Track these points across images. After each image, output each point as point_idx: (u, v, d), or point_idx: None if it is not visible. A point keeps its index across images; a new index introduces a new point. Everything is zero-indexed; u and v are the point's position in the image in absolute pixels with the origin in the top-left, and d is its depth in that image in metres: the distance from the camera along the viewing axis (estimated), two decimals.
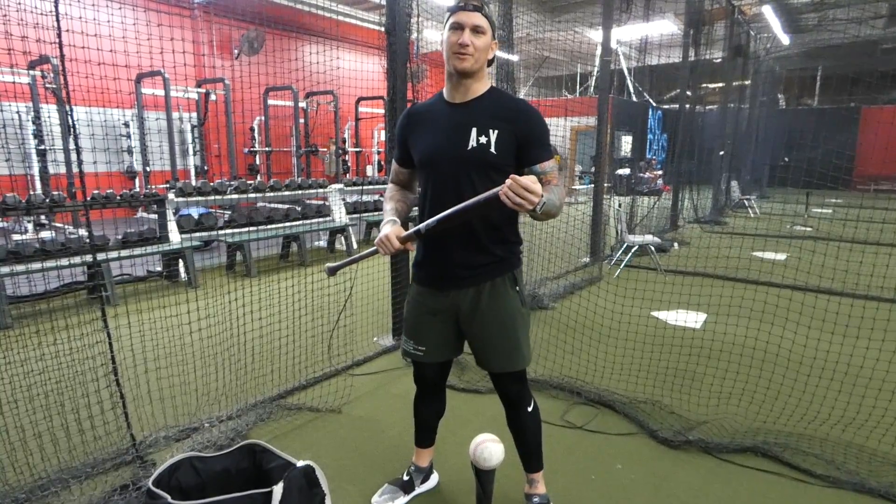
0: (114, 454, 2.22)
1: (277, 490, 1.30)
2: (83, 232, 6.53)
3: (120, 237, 5.06)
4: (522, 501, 1.94)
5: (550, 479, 1.97)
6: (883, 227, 7.26)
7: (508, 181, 1.38)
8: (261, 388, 2.84)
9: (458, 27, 1.56)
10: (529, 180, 1.37)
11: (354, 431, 2.50)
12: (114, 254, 4.56)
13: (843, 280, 4.67)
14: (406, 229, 1.67)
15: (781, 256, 6.49)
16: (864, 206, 10.45)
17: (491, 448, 1.19)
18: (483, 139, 1.59)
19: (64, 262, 4.26)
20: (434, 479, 2.13)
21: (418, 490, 2.06)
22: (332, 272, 1.79)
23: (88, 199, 4.90)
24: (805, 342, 3.18)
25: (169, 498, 1.26)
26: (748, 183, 12.61)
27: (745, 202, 10.86)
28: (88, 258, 4.20)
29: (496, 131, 1.59)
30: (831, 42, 12.13)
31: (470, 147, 1.59)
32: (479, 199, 1.44)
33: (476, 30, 1.56)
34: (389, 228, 1.64)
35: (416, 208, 1.82)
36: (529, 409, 1.83)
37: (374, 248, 1.67)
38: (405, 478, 2.06)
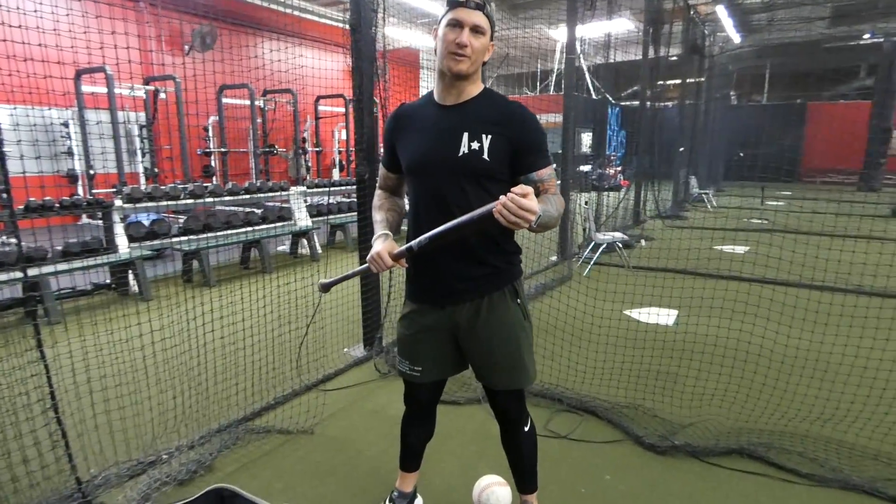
0: (56, 501, 1.98)
1: None
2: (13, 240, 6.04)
3: (60, 248, 4.69)
4: None
5: (540, 493, 1.87)
6: (834, 217, 7.53)
7: (503, 198, 1.25)
8: (225, 411, 2.64)
9: (456, 24, 1.43)
10: (525, 196, 1.24)
11: (330, 454, 2.34)
12: (50, 268, 4.19)
13: (802, 273, 4.79)
14: (398, 237, 1.59)
15: (742, 249, 6.64)
16: (814, 198, 10.88)
17: (498, 493, 1.07)
18: (475, 145, 1.46)
19: None
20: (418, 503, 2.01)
21: None
22: (326, 289, 1.68)
23: (21, 207, 4.53)
24: (775, 337, 3.21)
25: None
26: (705, 178, 12.96)
27: (704, 196, 11.14)
28: (9, 276, 3.85)
29: (489, 136, 1.46)
30: (779, 41, 12.60)
31: (461, 153, 1.47)
32: (473, 215, 1.32)
33: (476, 30, 1.44)
34: (381, 245, 1.51)
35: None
36: (526, 428, 1.73)
37: (366, 265, 1.53)
38: None
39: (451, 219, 1.42)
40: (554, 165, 1.55)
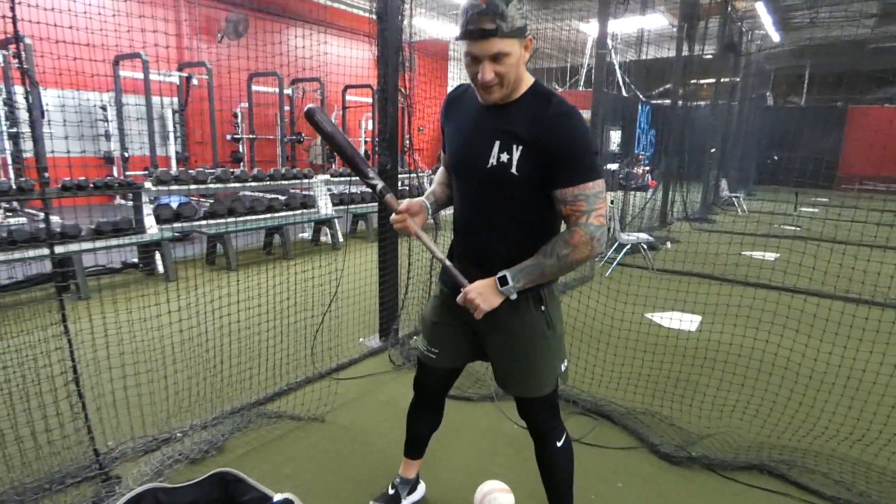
0: (75, 469, 2.04)
1: None
2: (56, 219, 6.24)
3: (93, 226, 4.81)
4: None
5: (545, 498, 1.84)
6: (876, 227, 7.26)
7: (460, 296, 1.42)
8: (239, 394, 2.66)
9: (474, 58, 1.30)
10: (465, 296, 1.40)
11: (339, 443, 2.34)
12: (82, 245, 4.31)
13: (836, 284, 4.61)
14: (435, 212, 1.66)
15: (772, 256, 6.45)
16: (851, 206, 10.49)
17: (501, 500, 1.03)
18: (504, 157, 1.35)
19: (25, 253, 4.00)
20: (421, 490, 2.01)
21: (405, 503, 1.93)
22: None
23: (58, 186, 4.65)
24: (804, 350, 3.09)
25: None
26: (736, 181, 12.62)
27: (734, 200, 10.85)
28: (55, 249, 3.96)
29: (520, 148, 1.34)
30: (821, 41, 12.14)
31: (489, 164, 1.38)
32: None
33: (496, 58, 1.28)
34: (412, 202, 1.55)
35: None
36: (559, 443, 1.61)
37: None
38: (391, 491, 1.93)
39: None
40: (598, 183, 1.33)
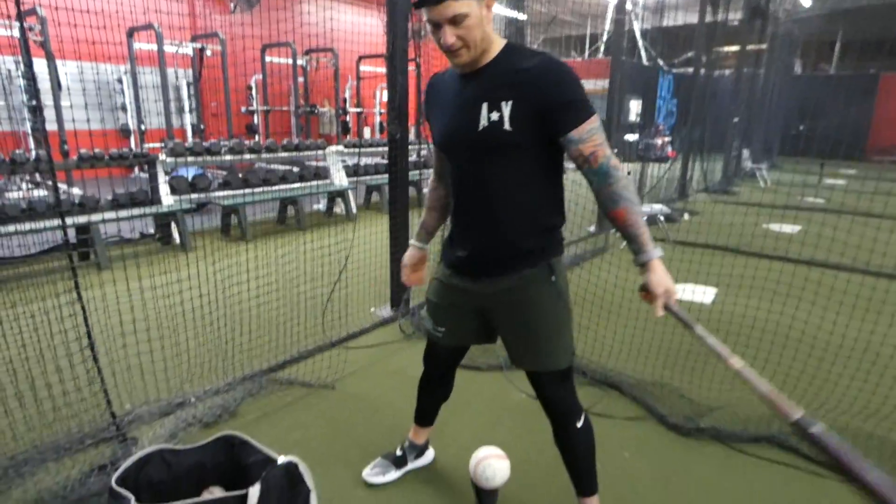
0: (93, 431, 2.11)
1: (253, 493, 1.16)
2: (76, 191, 6.33)
3: (109, 198, 4.88)
4: None
5: (552, 465, 1.83)
6: None
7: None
8: (251, 361, 2.71)
9: (434, 24, 1.28)
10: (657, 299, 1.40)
11: (348, 411, 2.38)
12: (91, 217, 4.38)
13: (857, 256, 4.49)
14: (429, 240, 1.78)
15: (794, 229, 6.30)
16: (880, 177, 10.16)
17: (495, 465, 1.02)
18: (494, 115, 1.31)
19: (43, 224, 4.08)
20: (429, 455, 2.04)
21: (410, 466, 1.98)
22: None
23: (74, 158, 4.71)
24: (820, 323, 3.03)
25: (132, 500, 1.13)
26: (759, 151, 12.27)
27: (756, 171, 10.57)
28: (72, 220, 4.04)
29: (510, 103, 1.30)
30: (854, 5, 11.58)
31: (481, 127, 1.33)
32: None
33: (455, 21, 1.25)
34: (405, 257, 1.75)
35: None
36: (579, 424, 1.56)
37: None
38: (398, 453, 1.97)
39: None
40: (596, 115, 1.31)
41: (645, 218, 1.32)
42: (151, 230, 5.30)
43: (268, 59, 10.03)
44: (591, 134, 1.29)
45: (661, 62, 15.49)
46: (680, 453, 2.13)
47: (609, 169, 1.30)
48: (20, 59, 2.22)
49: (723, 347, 1.27)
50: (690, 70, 8.54)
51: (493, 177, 1.39)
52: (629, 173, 5.95)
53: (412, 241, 1.78)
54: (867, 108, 15.07)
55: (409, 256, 1.78)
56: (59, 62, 6.22)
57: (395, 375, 2.70)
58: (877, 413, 2.32)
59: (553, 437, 1.61)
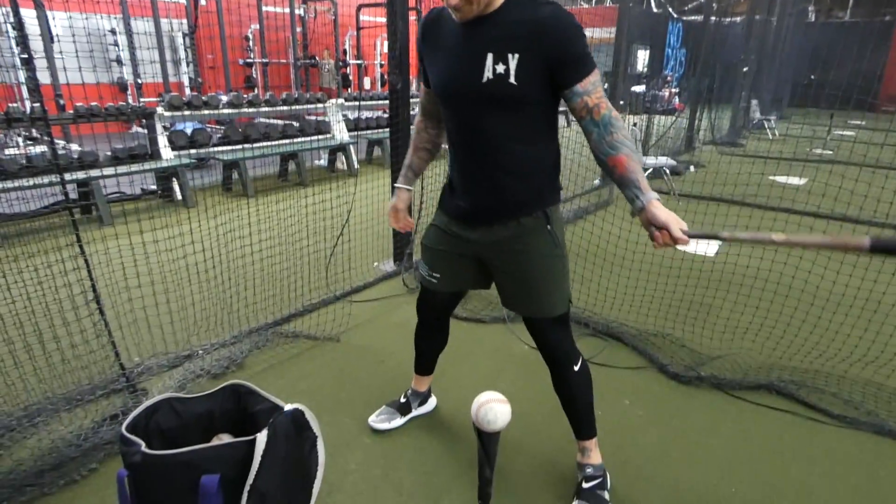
0: (103, 383, 2.15)
1: (261, 438, 1.19)
2: (75, 147, 6.26)
3: (108, 154, 4.82)
4: (531, 467, 1.82)
5: (552, 413, 1.87)
6: None
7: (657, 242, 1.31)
8: (257, 315, 2.74)
9: None
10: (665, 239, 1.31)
11: (353, 361, 2.42)
12: (90, 173, 4.34)
13: (863, 206, 4.43)
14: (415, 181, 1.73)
15: (801, 181, 6.22)
16: (890, 128, 9.94)
17: (497, 409, 1.04)
18: (500, 68, 1.27)
19: (42, 180, 4.06)
20: (432, 402, 2.09)
21: (415, 412, 2.03)
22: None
23: (70, 112, 4.62)
24: (823, 272, 3.02)
25: (143, 446, 1.16)
26: (768, 103, 11.97)
27: (765, 123, 10.36)
28: (70, 176, 4.00)
29: (516, 55, 1.26)
30: None
31: (485, 79, 1.29)
32: None
33: None
34: (392, 201, 1.68)
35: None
36: (576, 367, 1.59)
37: None
38: (402, 400, 2.02)
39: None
40: (597, 70, 1.31)
41: (650, 171, 1.30)
42: (153, 186, 5.26)
43: (265, 8, 9.71)
44: (594, 86, 1.29)
45: (670, 9, 14.93)
46: (679, 401, 2.17)
47: (611, 119, 1.29)
48: (8, 8, 2.14)
49: (757, 233, 1.27)
50: (700, 17, 8.21)
51: (493, 128, 1.36)
52: (635, 125, 5.84)
53: (399, 184, 1.72)
54: (881, 57, 14.58)
55: (399, 200, 1.73)
56: (48, 13, 6.03)
57: (399, 328, 2.73)
58: (876, 360, 2.34)
59: (552, 383, 1.64)
